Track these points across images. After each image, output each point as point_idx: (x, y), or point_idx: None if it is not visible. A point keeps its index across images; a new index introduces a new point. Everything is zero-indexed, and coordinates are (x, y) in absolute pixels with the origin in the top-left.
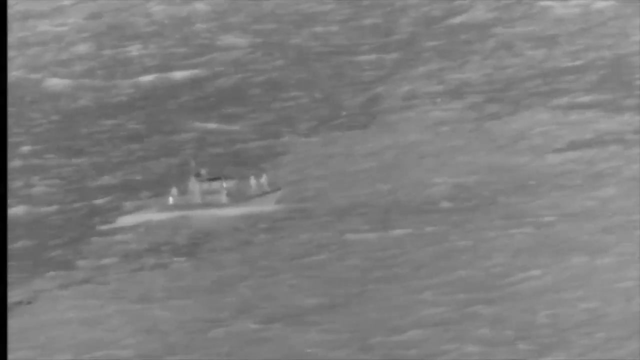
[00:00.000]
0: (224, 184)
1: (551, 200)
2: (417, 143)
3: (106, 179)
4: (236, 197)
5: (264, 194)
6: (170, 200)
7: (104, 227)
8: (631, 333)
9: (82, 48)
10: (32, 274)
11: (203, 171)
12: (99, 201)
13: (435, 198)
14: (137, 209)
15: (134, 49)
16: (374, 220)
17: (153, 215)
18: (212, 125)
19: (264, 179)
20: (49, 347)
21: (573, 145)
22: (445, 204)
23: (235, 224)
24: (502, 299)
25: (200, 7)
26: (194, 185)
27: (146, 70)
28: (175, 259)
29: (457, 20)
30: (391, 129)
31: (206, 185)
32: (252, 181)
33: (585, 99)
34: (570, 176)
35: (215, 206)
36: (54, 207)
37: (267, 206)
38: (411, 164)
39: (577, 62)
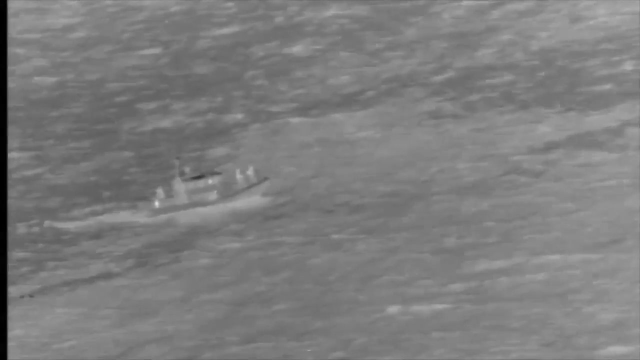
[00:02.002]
0: (210, 181)
1: None
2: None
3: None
4: (223, 193)
5: (251, 186)
6: (157, 203)
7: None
8: None
9: None
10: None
11: (187, 169)
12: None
13: None
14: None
15: None
16: None
17: (140, 219)
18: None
19: (250, 171)
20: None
21: None
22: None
23: (225, 220)
24: None
25: None
26: (179, 185)
27: None
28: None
29: None
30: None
31: (191, 185)
32: (238, 175)
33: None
34: None
35: (202, 205)
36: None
37: (255, 199)
38: None
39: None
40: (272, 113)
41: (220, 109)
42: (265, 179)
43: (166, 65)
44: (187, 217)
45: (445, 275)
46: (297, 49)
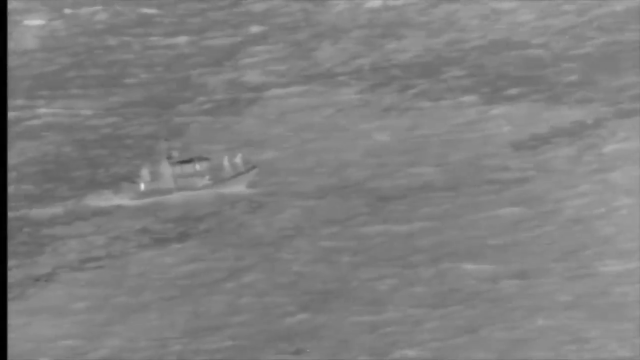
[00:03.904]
0: (197, 166)
1: None
2: None
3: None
4: (210, 179)
5: (238, 174)
6: (142, 186)
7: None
8: None
9: None
10: None
11: (175, 153)
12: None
13: None
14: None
15: None
16: None
17: (124, 202)
18: None
19: (238, 159)
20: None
21: None
22: None
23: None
24: None
25: None
26: (166, 168)
27: None
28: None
29: None
30: None
31: (179, 169)
32: (226, 162)
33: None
34: None
35: (189, 189)
36: None
37: (242, 187)
38: None
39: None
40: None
41: None
42: (253, 167)
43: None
44: (174, 202)
45: None
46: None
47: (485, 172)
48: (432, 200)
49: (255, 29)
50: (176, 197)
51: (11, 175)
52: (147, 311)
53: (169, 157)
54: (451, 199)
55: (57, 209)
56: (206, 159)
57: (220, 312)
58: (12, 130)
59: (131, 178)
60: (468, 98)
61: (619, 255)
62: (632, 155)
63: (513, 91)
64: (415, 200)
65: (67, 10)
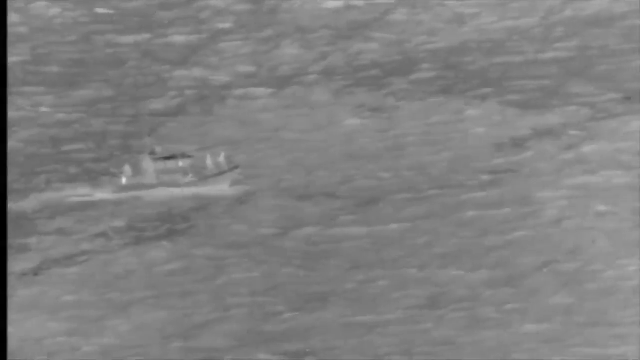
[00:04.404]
0: (180, 163)
1: None
2: None
3: None
4: (192, 177)
5: (221, 173)
6: (124, 180)
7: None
8: None
9: None
10: None
11: (158, 149)
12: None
13: None
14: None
15: None
16: None
17: (105, 196)
18: None
19: (222, 158)
20: None
21: None
22: None
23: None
24: None
25: None
26: (149, 164)
27: None
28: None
29: None
30: None
31: (161, 165)
32: (209, 160)
33: None
34: None
35: (171, 186)
36: None
37: (224, 186)
38: None
39: None
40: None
41: None
42: (236, 167)
43: None
44: (153, 197)
45: None
46: None
47: (466, 172)
48: (414, 202)
49: (221, 25)
50: (158, 192)
51: None
52: (131, 309)
53: (152, 153)
54: (434, 198)
55: (34, 203)
56: (189, 156)
57: (206, 310)
58: None
59: (113, 173)
60: (442, 99)
61: (602, 257)
62: (611, 157)
63: (486, 91)
64: (397, 201)
65: (20, 4)
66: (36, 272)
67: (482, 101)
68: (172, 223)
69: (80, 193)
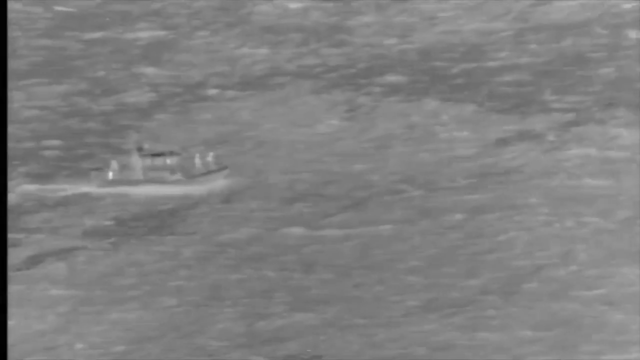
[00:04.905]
0: (168, 160)
1: None
2: None
3: None
4: (180, 175)
5: (209, 172)
6: (110, 175)
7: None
8: None
9: None
10: None
11: (146, 145)
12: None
13: None
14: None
15: None
16: None
17: (92, 190)
18: None
19: (210, 157)
20: None
21: None
22: None
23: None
24: None
25: None
26: (136, 160)
27: None
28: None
29: None
30: None
31: (149, 161)
32: (197, 160)
33: None
34: None
35: (157, 183)
36: None
37: (212, 185)
38: None
39: None
40: None
41: None
42: (225, 167)
43: None
44: (140, 193)
45: None
46: None
47: (450, 174)
48: (400, 203)
49: (194, 23)
50: (144, 189)
51: None
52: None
53: (140, 149)
54: (420, 200)
55: (21, 198)
56: (177, 154)
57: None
58: None
59: (100, 168)
60: (423, 101)
61: (589, 260)
62: (595, 162)
63: (463, 95)
64: (384, 202)
65: None
66: (19, 267)
67: (455, 103)
68: (155, 220)
69: (64, 187)
